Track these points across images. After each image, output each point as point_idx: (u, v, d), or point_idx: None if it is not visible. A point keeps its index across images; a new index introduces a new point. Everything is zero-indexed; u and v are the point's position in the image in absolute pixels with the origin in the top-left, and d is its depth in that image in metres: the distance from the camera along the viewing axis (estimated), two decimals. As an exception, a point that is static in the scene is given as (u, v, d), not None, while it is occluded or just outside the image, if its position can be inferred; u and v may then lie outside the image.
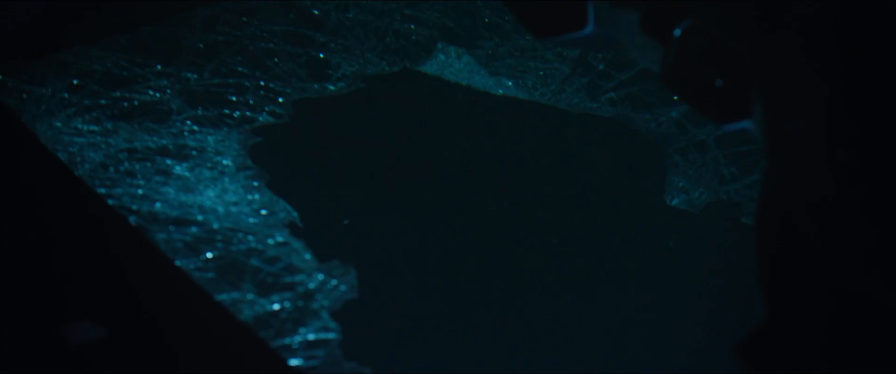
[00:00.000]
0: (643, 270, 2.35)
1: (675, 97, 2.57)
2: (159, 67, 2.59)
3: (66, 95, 2.47)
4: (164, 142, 2.42)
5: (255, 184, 2.36)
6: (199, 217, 2.25)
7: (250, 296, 2.10)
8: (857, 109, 1.55)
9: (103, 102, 2.48)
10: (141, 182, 2.31)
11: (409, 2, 2.78)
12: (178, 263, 2.08)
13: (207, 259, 2.16)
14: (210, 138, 2.45)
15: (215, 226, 2.24)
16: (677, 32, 1.85)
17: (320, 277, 2.16)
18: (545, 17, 1.99)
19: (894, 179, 1.51)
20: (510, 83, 2.67)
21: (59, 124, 2.41)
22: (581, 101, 2.65)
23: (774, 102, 1.66)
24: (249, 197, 2.33)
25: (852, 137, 1.55)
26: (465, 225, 2.38)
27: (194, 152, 2.41)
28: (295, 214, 2.31)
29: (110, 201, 2.23)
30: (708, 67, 1.85)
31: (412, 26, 2.74)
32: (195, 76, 2.58)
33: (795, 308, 1.57)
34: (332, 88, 2.62)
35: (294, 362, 1.97)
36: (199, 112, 2.50)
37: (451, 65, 2.69)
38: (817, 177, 1.56)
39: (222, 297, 2.06)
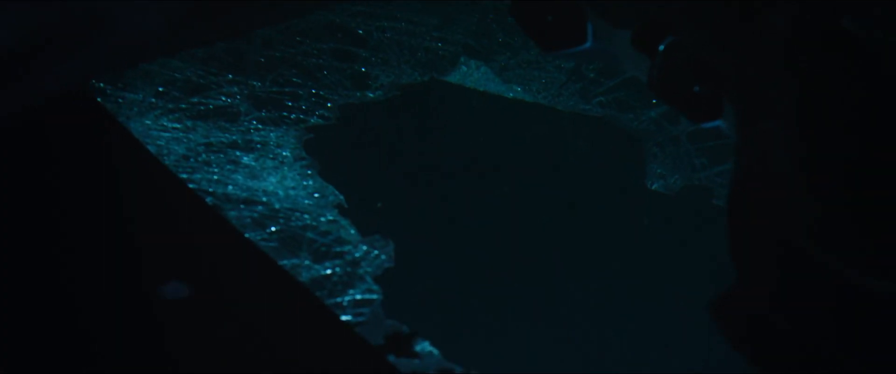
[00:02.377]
0: (623, 240, 2.35)
1: (654, 101, 2.57)
2: (230, 76, 2.58)
3: (153, 100, 2.47)
4: (234, 137, 2.42)
5: (309, 172, 2.36)
6: (264, 199, 2.25)
7: (307, 262, 2.10)
8: (814, 111, 1.56)
9: (184, 105, 2.48)
10: (216, 170, 2.31)
11: (436, 25, 2.78)
12: (247, 235, 2.08)
13: (271, 232, 2.16)
14: (272, 135, 2.45)
15: (277, 206, 2.24)
16: (661, 47, 1.85)
17: (364, 248, 2.16)
18: (551, 34, 1.99)
19: (839, 166, 1.51)
20: (519, 89, 2.67)
21: (148, 123, 2.41)
22: (576, 103, 2.65)
23: (746, 105, 1.66)
24: (304, 183, 2.33)
25: (808, 133, 1.55)
26: (481, 207, 2.38)
27: (259, 146, 2.41)
28: (342, 197, 2.31)
29: (191, 185, 2.23)
30: (687, 76, 1.85)
31: (439, 44, 2.73)
32: (259, 84, 2.58)
33: (759, 273, 1.58)
34: (371, 95, 2.62)
35: (345, 317, 1.96)
36: (263, 114, 2.50)
37: (471, 75, 2.69)
38: (779, 167, 1.56)
39: (284, 262, 2.06)
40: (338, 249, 2.15)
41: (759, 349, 1.54)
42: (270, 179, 2.32)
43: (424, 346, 1.92)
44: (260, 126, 2.47)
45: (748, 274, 1.60)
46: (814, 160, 1.53)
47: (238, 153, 2.38)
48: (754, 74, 1.64)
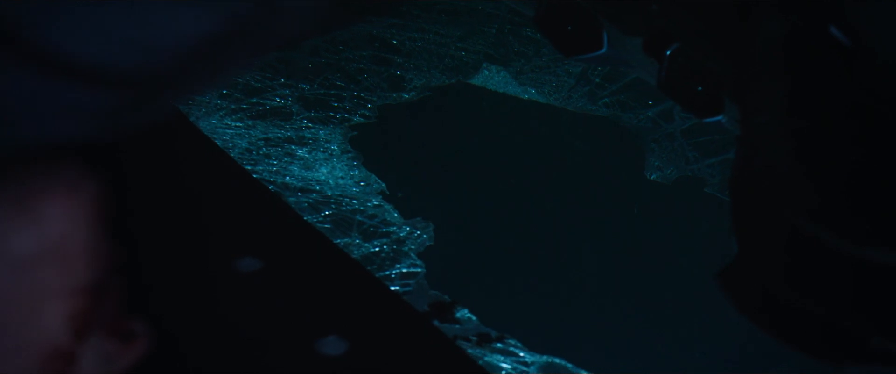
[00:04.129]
0: (627, 223, 2.35)
1: (651, 102, 2.57)
2: (282, 80, 2.59)
3: (218, 101, 2.47)
4: (288, 133, 2.43)
5: (355, 164, 2.36)
6: (317, 187, 2.26)
7: (358, 241, 2.10)
8: (806, 107, 1.56)
9: (244, 106, 2.49)
10: (274, 162, 2.32)
11: (460, 36, 2.79)
12: (306, 218, 2.08)
13: (325, 215, 2.17)
14: (321, 132, 2.46)
15: (329, 193, 2.25)
16: (668, 53, 1.86)
17: (407, 228, 2.17)
18: (571, 41, 2.00)
19: (830, 153, 1.51)
20: (533, 91, 2.67)
21: (214, 121, 2.41)
22: (584, 104, 2.65)
23: (746, 102, 1.66)
24: (351, 173, 2.33)
25: (801, 127, 1.55)
26: (505, 192, 2.38)
27: (310, 141, 2.42)
28: (383, 185, 2.31)
29: (254, 175, 2.24)
30: (690, 78, 1.85)
31: (463, 53, 2.74)
32: (307, 87, 2.58)
33: (760, 247, 1.58)
34: (406, 96, 2.62)
35: (394, 288, 1.97)
36: (312, 114, 2.51)
37: (492, 78, 2.69)
38: (776, 154, 1.56)
39: (338, 241, 2.07)
40: (384, 229, 2.16)
41: (763, 315, 1.55)
42: (322, 170, 2.33)
43: (464, 313, 1.94)
44: (310, 124, 2.48)
45: (750, 248, 1.60)
46: (808, 148, 1.53)
47: (293, 147, 2.39)
48: (751, 73, 1.65)
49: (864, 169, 1.49)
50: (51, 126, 0.51)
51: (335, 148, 2.40)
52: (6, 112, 0.50)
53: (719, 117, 1.85)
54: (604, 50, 1.97)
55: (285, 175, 2.28)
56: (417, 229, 2.17)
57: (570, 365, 1.92)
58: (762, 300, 1.58)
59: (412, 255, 2.10)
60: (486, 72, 2.70)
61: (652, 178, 2.50)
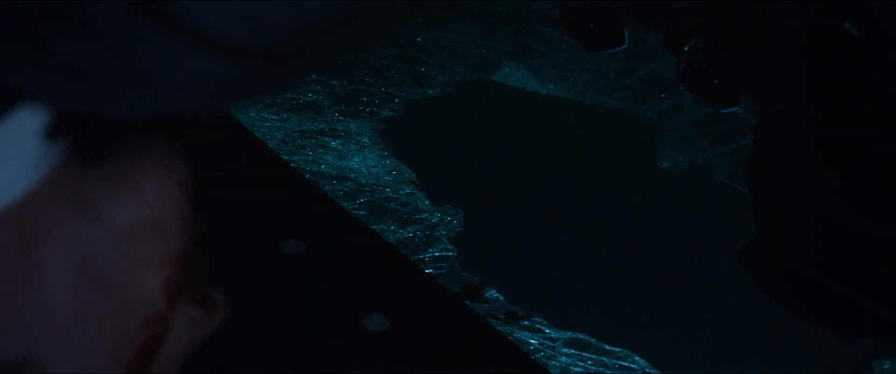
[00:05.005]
0: (636, 208, 2.36)
1: (663, 95, 2.57)
2: (314, 76, 2.59)
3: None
4: (321, 126, 2.43)
5: (385, 154, 2.36)
6: (351, 176, 2.26)
7: (393, 227, 2.11)
8: (818, 96, 1.56)
9: (279, 100, 2.49)
10: (310, 152, 2.32)
11: (482, 35, 2.79)
12: (343, 205, 2.09)
13: (361, 203, 2.17)
14: (352, 125, 2.46)
15: (362, 181, 2.25)
16: (686, 48, 1.86)
17: (439, 215, 2.17)
18: (595, 37, 2.00)
19: (843, 142, 1.52)
20: (552, 86, 2.67)
21: (252, 115, 2.42)
22: (600, 98, 2.65)
23: (763, 93, 1.67)
24: (383, 163, 2.33)
25: (815, 117, 1.55)
26: (528, 180, 2.39)
27: (342, 133, 2.42)
28: (414, 174, 2.31)
29: (292, 164, 2.24)
30: (708, 71, 1.85)
31: (485, 51, 2.74)
32: (338, 83, 2.58)
33: (778, 228, 1.59)
34: (431, 92, 2.62)
35: (427, 270, 1.97)
36: (343, 107, 2.51)
37: (512, 75, 2.69)
38: (794, 141, 1.57)
39: (374, 227, 2.07)
40: (416, 216, 2.16)
41: (782, 291, 1.56)
42: (355, 160, 2.33)
43: (492, 293, 1.94)
44: (341, 118, 2.48)
45: (769, 229, 1.61)
46: (825, 135, 1.53)
47: (326, 139, 2.39)
48: (768, 66, 1.65)
49: (878, 154, 1.50)
50: (179, 93, 0.51)
51: (366, 140, 2.41)
52: (141, 75, 0.50)
53: (736, 108, 1.85)
54: (625, 46, 1.97)
55: (321, 164, 2.28)
56: (448, 216, 2.17)
57: (592, 340, 1.92)
58: (780, 278, 1.58)
59: (444, 240, 2.10)
60: (507, 69, 2.70)
61: (664, 166, 2.50)
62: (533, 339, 1.91)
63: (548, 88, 2.68)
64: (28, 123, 0.63)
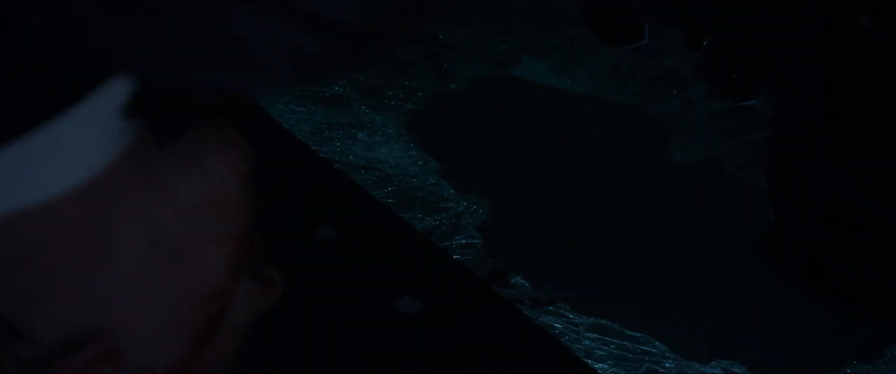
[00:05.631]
0: (651, 198, 2.35)
1: (675, 93, 2.57)
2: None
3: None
4: (349, 119, 2.43)
5: (411, 145, 2.36)
6: (379, 166, 2.26)
7: (420, 215, 2.10)
8: (833, 90, 1.56)
9: (306, 93, 2.49)
10: (338, 143, 2.32)
11: (502, 31, 2.78)
12: (372, 193, 2.08)
13: (389, 191, 2.17)
14: (377, 117, 2.46)
15: (390, 172, 2.25)
16: (704, 43, 1.85)
17: (464, 203, 2.17)
18: (615, 33, 1.99)
19: (857, 132, 1.51)
20: (569, 81, 2.67)
21: (281, 107, 2.41)
22: (615, 93, 2.65)
23: (779, 86, 1.66)
24: (409, 154, 2.33)
25: (830, 109, 1.55)
26: (548, 170, 2.38)
27: (368, 125, 2.42)
28: (438, 165, 2.31)
29: (321, 154, 2.24)
30: (726, 66, 1.85)
31: (504, 47, 2.73)
32: (363, 77, 2.58)
33: (795, 216, 1.58)
34: (453, 86, 2.62)
35: (456, 256, 1.97)
36: (369, 100, 2.51)
37: (531, 70, 2.69)
38: (809, 132, 1.56)
39: (402, 215, 2.07)
40: (443, 205, 2.16)
41: (801, 278, 1.55)
42: (382, 151, 2.33)
43: (518, 279, 1.94)
44: (367, 110, 2.48)
45: (786, 217, 1.60)
46: (841, 126, 1.53)
47: (353, 130, 2.39)
48: (786, 61, 1.64)
49: (890, 143, 1.49)
50: (275, 68, 0.50)
51: (392, 132, 2.40)
52: (237, 47, 0.49)
53: (752, 101, 1.85)
54: (645, 41, 1.97)
55: (349, 155, 2.28)
56: (473, 205, 2.17)
57: (614, 325, 1.92)
58: (796, 263, 1.58)
59: (469, 228, 2.10)
60: (526, 64, 2.70)
61: (677, 159, 2.49)
62: (557, 323, 1.91)
63: (565, 83, 2.68)
64: (109, 100, 0.63)
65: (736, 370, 1.92)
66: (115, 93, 0.63)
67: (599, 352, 1.87)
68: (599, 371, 1.82)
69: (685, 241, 2.21)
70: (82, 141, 0.62)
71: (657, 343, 1.91)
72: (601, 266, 2.08)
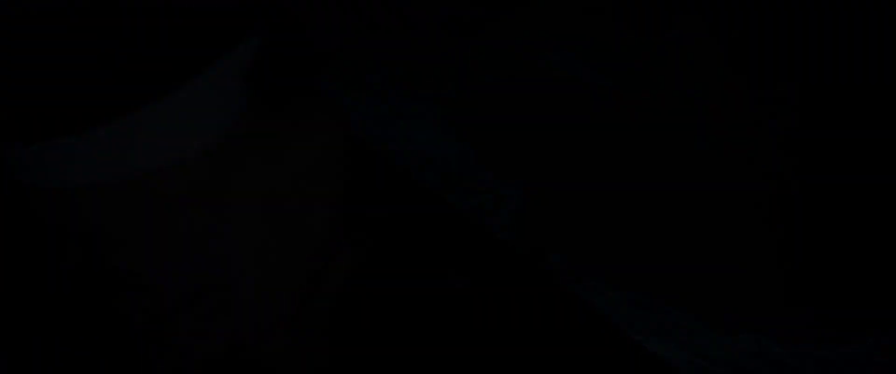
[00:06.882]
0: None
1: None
2: (374, 62, 2.60)
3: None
4: (385, 107, 2.44)
5: (450, 130, 2.38)
6: (420, 151, 2.28)
7: (462, 197, 2.12)
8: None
9: (343, 84, 2.51)
10: (379, 130, 2.34)
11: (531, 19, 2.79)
12: (414, 176, 2.10)
13: (431, 174, 2.19)
14: (414, 106, 2.47)
15: (431, 156, 2.27)
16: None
17: (503, 186, 2.19)
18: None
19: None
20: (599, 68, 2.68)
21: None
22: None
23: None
24: (447, 139, 2.35)
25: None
26: (574, 155, 2.39)
27: (407, 113, 2.43)
28: (475, 151, 2.33)
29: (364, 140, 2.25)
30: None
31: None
32: (398, 70, 2.60)
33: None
34: (487, 77, 2.63)
35: (497, 235, 1.99)
36: (404, 90, 2.52)
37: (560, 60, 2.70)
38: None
39: (446, 196, 2.09)
40: (483, 186, 2.18)
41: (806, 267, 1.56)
42: (421, 137, 2.35)
43: (556, 256, 1.96)
44: (404, 98, 2.49)
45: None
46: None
47: (392, 118, 2.40)
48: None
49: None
50: (427, 33, 0.53)
51: (429, 119, 2.42)
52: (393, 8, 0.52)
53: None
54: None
55: (389, 141, 2.30)
56: (511, 189, 2.19)
57: (650, 298, 1.94)
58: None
59: (510, 208, 2.12)
60: (555, 54, 2.71)
61: (699, 148, 2.50)
62: (596, 298, 1.93)
63: (595, 74, 2.69)
64: (235, 66, 0.65)
65: (764, 341, 1.94)
66: (239, 58, 0.65)
67: (638, 325, 1.89)
68: (639, 342, 1.84)
69: (717, 219, 2.22)
70: (211, 105, 0.65)
71: (693, 317, 1.93)
72: (636, 241, 2.10)
